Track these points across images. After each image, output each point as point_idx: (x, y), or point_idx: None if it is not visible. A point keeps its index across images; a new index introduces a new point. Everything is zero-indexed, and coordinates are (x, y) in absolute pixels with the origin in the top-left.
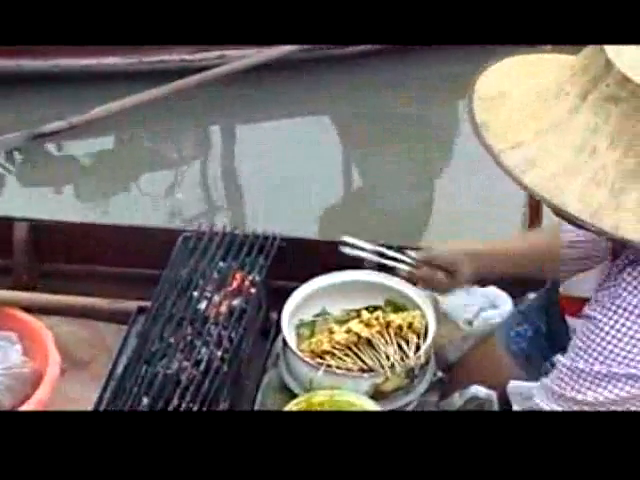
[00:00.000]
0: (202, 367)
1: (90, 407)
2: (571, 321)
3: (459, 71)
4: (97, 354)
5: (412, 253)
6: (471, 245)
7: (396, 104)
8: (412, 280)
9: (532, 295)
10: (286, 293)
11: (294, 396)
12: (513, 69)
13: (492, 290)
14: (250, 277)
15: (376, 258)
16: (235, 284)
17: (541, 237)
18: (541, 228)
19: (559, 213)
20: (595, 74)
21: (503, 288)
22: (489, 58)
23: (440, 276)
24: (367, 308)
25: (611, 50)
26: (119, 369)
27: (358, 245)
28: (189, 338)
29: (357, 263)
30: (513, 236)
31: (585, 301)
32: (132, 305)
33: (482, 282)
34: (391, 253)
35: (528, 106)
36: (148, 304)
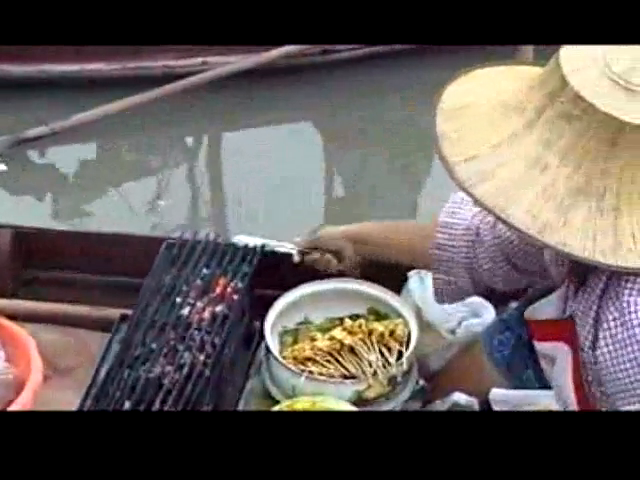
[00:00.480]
0: (184, 372)
1: None
2: (539, 346)
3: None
4: (80, 362)
5: (298, 239)
6: (353, 231)
7: (396, 106)
8: (305, 263)
9: (514, 304)
10: (269, 301)
11: (277, 403)
12: (479, 81)
13: (475, 299)
14: (233, 284)
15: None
16: (218, 291)
17: (423, 231)
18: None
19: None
20: (552, 90)
21: (486, 297)
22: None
23: (329, 259)
24: (350, 316)
25: (567, 67)
26: (101, 375)
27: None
28: (172, 343)
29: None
30: (400, 225)
31: (550, 323)
32: (115, 313)
33: None
34: (281, 244)
35: (487, 119)
36: (131, 312)
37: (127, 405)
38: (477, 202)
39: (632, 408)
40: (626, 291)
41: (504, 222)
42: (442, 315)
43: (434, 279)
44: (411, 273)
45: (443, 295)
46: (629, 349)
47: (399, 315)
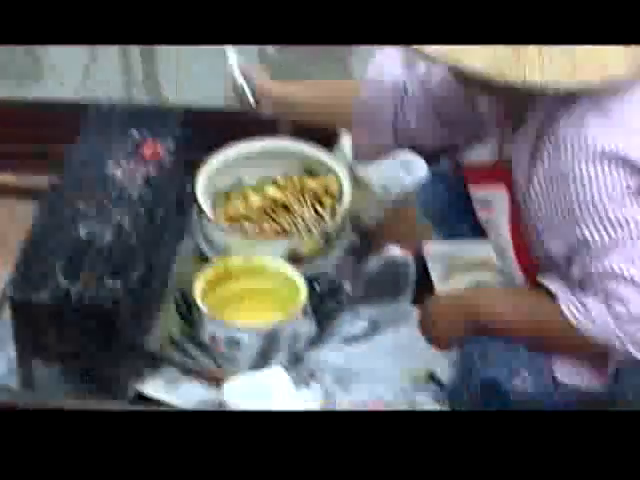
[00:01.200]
0: (115, 232)
1: (2, 285)
2: (475, 192)
3: None
4: (8, 231)
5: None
6: (275, 85)
7: None
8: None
9: (447, 158)
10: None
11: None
12: None
13: (407, 156)
14: (164, 145)
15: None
16: (149, 152)
17: (347, 86)
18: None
19: (467, 77)
20: None
21: (418, 152)
22: None
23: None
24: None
25: None
26: (32, 240)
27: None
28: (101, 204)
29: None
30: (320, 83)
31: (486, 166)
32: (44, 180)
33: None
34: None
35: None
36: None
37: (58, 266)
38: (432, 60)
39: (559, 244)
40: (561, 123)
41: (462, 71)
42: (374, 172)
43: (355, 137)
44: (343, 131)
45: (362, 154)
46: (561, 184)
47: (332, 172)
